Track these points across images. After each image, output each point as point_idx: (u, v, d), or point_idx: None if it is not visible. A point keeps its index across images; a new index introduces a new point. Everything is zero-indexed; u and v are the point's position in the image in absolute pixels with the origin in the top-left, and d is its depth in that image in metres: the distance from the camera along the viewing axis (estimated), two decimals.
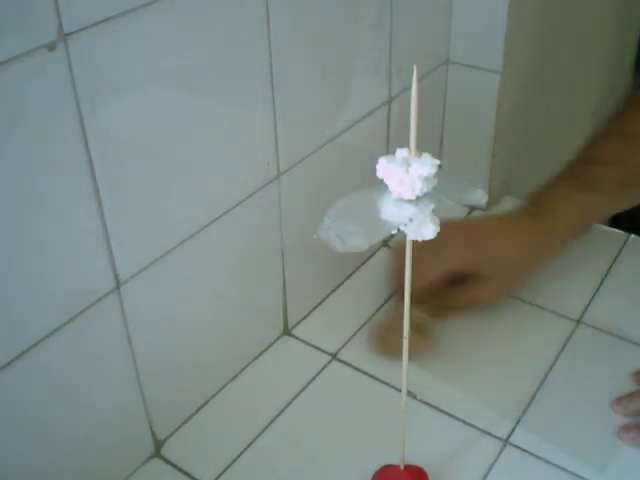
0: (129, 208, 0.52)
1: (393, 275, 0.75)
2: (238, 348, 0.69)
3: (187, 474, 0.61)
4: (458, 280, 0.72)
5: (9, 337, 0.47)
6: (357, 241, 0.44)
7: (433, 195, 0.45)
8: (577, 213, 0.74)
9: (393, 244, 0.81)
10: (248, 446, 0.63)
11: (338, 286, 0.80)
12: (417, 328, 0.67)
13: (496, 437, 0.63)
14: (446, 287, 0.72)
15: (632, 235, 0.84)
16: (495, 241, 0.73)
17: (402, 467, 0.58)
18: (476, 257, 0.71)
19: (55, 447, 0.54)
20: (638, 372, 0.66)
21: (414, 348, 0.63)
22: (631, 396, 0.64)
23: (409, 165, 0.44)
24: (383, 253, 0.84)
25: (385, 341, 0.70)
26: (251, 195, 0.63)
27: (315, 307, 0.77)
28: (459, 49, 0.83)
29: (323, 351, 0.72)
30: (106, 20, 0.45)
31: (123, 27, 0.46)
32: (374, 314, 0.76)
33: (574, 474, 0.60)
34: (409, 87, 0.43)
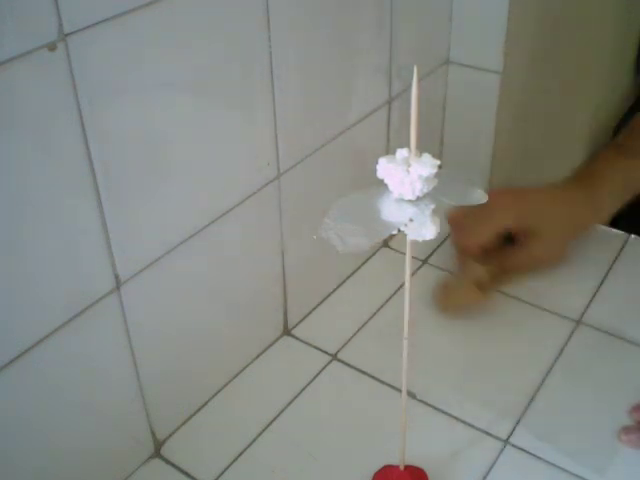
0: (129, 208, 0.52)
1: (452, 232, 0.79)
2: (238, 348, 0.69)
3: (187, 474, 0.61)
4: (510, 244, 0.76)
5: (8, 337, 0.47)
6: (357, 241, 0.44)
7: (433, 195, 0.45)
8: (618, 178, 0.77)
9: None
10: (248, 446, 0.63)
11: (338, 286, 0.80)
12: (476, 284, 0.72)
13: (496, 437, 0.63)
14: (500, 249, 0.75)
15: (632, 235, 0.84)
16: (543, 197, 0.76)
17: (402, 467, 0.58)
18: (527, 214, 0.74)
19: (55, 447, 0.54)
20: (637, 407, 0.64)
21: (467, 299, 0.71)
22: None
23: (409, 165, 0.44)
24: (383, 253, 0.84)
25: (448, 296, 0.74)
26: (251, 195, 0.63)
27: (315, 307, 0.77)
28: (459, 49, 0.83)
29: (323, 351, 0.72)
30: (106, 20, 0.45)
31: (123, 27, 0.46)
32: (374, 314, 0.76)
33: (574, 474, 0.60)
34: (409, 87, 0.43)
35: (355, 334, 0.74)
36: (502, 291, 0.77)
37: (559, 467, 0.60)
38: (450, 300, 0.74)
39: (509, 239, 0.77)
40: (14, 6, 0.40)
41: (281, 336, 0.74)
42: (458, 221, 0.77)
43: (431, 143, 0.89)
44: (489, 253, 0.75)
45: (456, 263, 0.79)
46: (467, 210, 0.75)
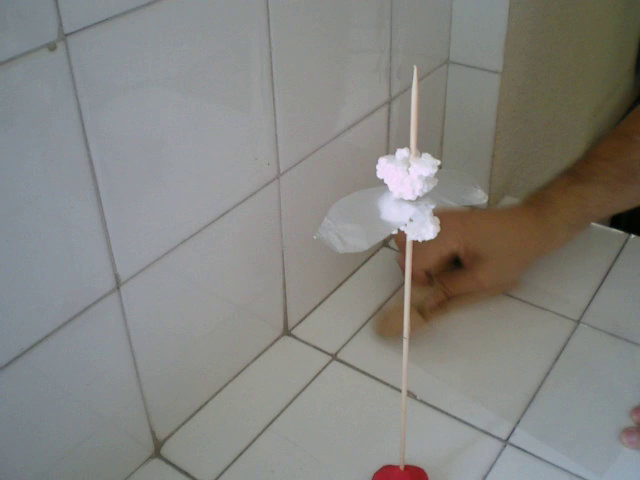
0: (129, 208, 0.52)
1: (400, 258, 0.77)
2: (238, 348, 0.69)
3: (187, 474, 0.61)
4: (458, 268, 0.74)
5: (8, 337, 0.47)
6: (357, 241, 0.44)
7: (433, 195, 0.45)
8: (572, 203, 0.74)
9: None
10: (248, 446, 0.63)
11: (338, 286, 0.80)
12: (418, 309, 0.69)
13: (496, 437, 0.63)
14: (446, 274, 0.74)
15: (632, 235, 0.84)
16: (493, 223, 0.75)
17: (402, 467, 0.58)
18: (475, 238, 0.72)
19: (55, 448, 0.54)
20: (638, 408, 0.64)
21: (411, 325, 0.65)
22: None
23: (409, 165, 0.44)
24: (383, 253, 0.84)
25: (386, 320, 0.71)
26: (251, 195, 0.63)
27: (315, 307, 0.77)
28: (459, 49, 0.83)
29: (323, 351, 0.72)
30: (106, 20, 0.45)
31: (123, 27, 0.47)
32: (374, 314, 0.76)
33: (574, 474, 0.59)
34: (409, 87, 0.43)
35: (355, 334, 0.74)
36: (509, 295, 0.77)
37: (559, 467, 0.60)
38: (388, 325, 0.71)
39: (458, 264, 0.74)
40: (14, 6, 0.40)
41: (281, 336, 0.74)
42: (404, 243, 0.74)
43: (431, 143, 0.89)
44: (435, 278, 0.73)
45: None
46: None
